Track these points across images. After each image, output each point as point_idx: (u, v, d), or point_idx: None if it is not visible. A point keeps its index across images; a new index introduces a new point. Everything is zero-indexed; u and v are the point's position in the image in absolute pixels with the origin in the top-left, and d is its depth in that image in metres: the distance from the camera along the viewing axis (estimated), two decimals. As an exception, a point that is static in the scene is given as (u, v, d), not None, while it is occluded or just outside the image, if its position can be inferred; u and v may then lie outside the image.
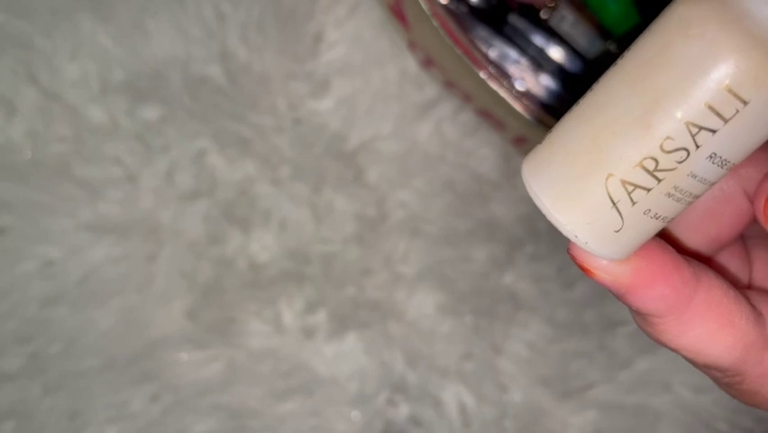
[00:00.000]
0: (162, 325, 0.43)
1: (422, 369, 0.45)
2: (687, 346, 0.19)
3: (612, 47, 0.42)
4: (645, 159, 0.16)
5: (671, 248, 0.19)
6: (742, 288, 0.22)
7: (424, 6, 0.41)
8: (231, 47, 0.46)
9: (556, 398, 0.45)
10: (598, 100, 0.17)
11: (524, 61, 0.42)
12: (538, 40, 0.42)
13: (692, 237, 0.22)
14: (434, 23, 0.41)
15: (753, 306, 0.20)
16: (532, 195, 0.18)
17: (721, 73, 0.15)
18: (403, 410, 0.44)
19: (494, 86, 0.42)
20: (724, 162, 0.16)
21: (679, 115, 0.15)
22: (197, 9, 0.45)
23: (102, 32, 0.44)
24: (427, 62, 0.46)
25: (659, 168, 0.16)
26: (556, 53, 0.42)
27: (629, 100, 0.16)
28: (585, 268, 0.19)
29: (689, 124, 0.15)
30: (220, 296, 0.44)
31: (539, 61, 0.42)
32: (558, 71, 0.42)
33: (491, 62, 0.42)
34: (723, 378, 0.20)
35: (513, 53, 0.42)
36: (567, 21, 0.42)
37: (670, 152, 0.16)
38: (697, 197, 0.17)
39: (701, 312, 0.19)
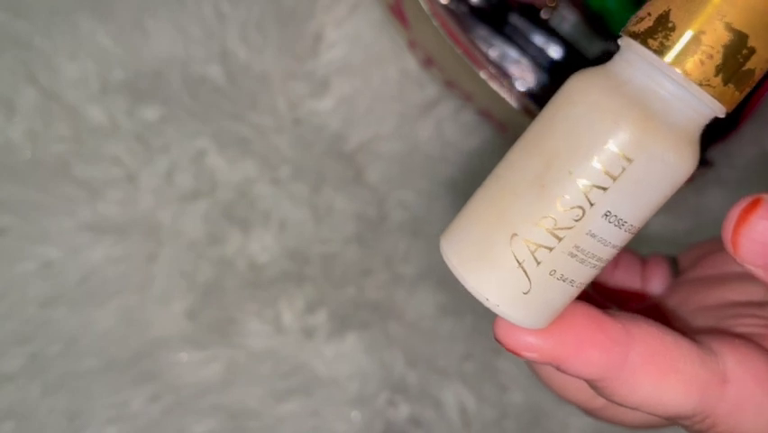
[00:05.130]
0: (162, 325, 0.43)
1: (422, 369, 0.45)
2: (641, 402, 0.19)
3: (612, 47, 0.42)
4: (544, 217, 0.17)
5: (594, 309, 0.19)
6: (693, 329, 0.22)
7: (424, 6, 0.41)
8: (231, 47, 0.45)
9: (556, 398, 0.45)
10: (502, 168, 0.18)
11: (524, 61, 0.42)
12: (538, 40, 0.42)
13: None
14: (435, 22, 0.41)
15: (698, 344, 0.19)
16: (448, 263, 0.18)
17: (606, 134, 0.16)
18: (403, 411, 0.44)
19: (494, 86, 0.42)
20: (621, 222, 0.17)
21: (572, 173, 0.16)
22: (197, 9, 0.45)
23: (102, 32, 0.44)
24: (427, 62, 0.46)
25: (558, 226, 0.16)
26: (556, 53, 0.42)
27: (529, 163, 0.17)
28: (511, 350, 0.18)
29: (581, 183, 0.16)
30: (220, 296, 0.44)
31: (539, 61, 0.42)
32: (558, 71, 0.42)
33: (492, 62, 0.42)
34: (694, 425, 0.20)
35: (513, 53, 0.42)
36: (567, 21, 0.42)
37: (566, 210, 0.16)
38: (602, 260, 0.17)
39: (641, 366, 0.18)
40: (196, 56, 0.45)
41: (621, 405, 0.19)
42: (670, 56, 0.16)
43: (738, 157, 0.47)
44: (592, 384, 0.19)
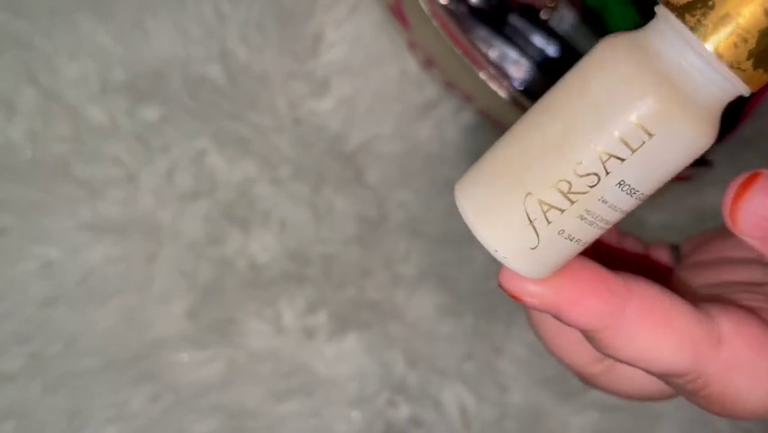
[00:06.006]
0: (162, 325, 0.43)
1: (422, 370, 0.45)
2: (636, 355, 0.19)
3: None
4: (560, 181, 0.17)
5: (595, 264, 0.20)
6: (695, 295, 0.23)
7: (424, 7, 0.41)
8: (231, 47, 0.46)
9: (556, 398, 0.45)
10: (524, 126, 0.18)
11: (524, 62, 0.42)
12: (538, 40, 0.42)
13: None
14: (435, 23, 0.41)
15: (696, 306, 0.20)
16: (461, 212, 0.19)
17: (630, 107, 0.16)
18: (403, 411, 0.44)
19: (494, 86, 0.42)
20: (633, 191, 0.17)
21: (591, 142, 0.17)
22: (197, 9, 0.45)
23: (102, 32, 0.44)
24: (427, 63, 0.46)
25: (572, 190, 0.17)
26: (556, 54, 0.42)
27: (550, 126, 0.17)
28: (514, 295, 0.19)
29: (600, 151, 0.17)
30: (220, 296, 0.44)
31: (539, 62, 0.42)
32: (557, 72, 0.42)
33: (491, 63, 0.42)
34: (686, 384, 0.20)
35: (513, 54, 0.42)
36: (567, 21, 0.42)
37: (582, 176, 0.17)
38: (609, 223, 0.18)
39: (638, 319, 0.19)
40: (196, 56, 0.45)
41: (617, 359, 0.20)
42: (705, 34, 0.16)
43: (738, 157, 0.47)
44: (590, 336, 0.20)
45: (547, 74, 0.42)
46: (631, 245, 0.28)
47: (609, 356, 0.20)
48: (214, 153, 0.45)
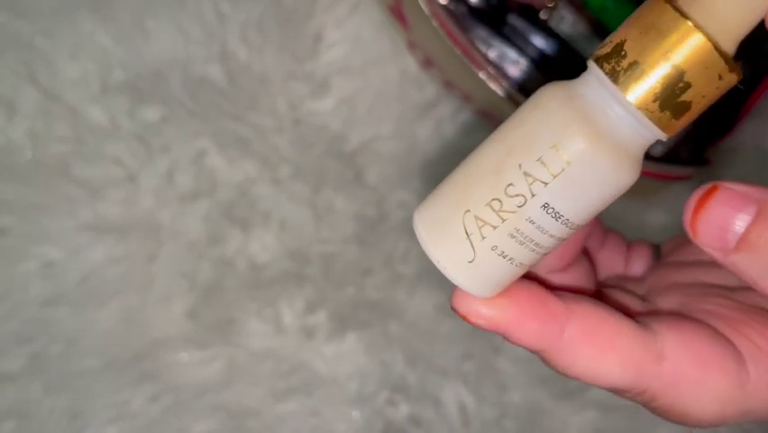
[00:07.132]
0: (162, 325, 0.43)
1: (422, 369, 0.45)
2: (581, 373, 0.21)
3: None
4: (493, 200, 0.19)
5: (538, 287, 0.21)
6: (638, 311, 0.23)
7: (423, 7, 0.41)
8: (231, 47, 0.46)
9: (556, 398, 0.46)
10: (472, 155, 0.21)
11: (523, 62, 0.42)
12: (538, 40, 0.42)
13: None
14: (434, 23, 0.41)
15: (639, 324, 0.21)
16: (416, 232, 0.21)
17: (552, 136, 0.19)
18: (403, 410, 0.44)
19: (494, 86, 0.42)
20: (558, 215, 0.19)
21: (520, 165, 0.19)
22: (197, 9, 0.45)
23: (102, 32, 0.44)
24: (427, 63, 0.46)
25: (503, 209, 0.19)
26: (555, 54, 0.43)
27: (490, 152, 0.20)
28: (463, 316, 0.21)
29: (525, 174, 0.19)
30: (220, 296, 0.44)
31: (538, 62, 0.42)
32: (556, 72, 0.43)
33: (491, 63, 0.42)
34: (634, 397, 0.21)
35: (512, 54, 0.42)
36: (567, 21, 0.42)
37: (511, 196, 0.19)
38: (541, 246, 0.20)
39: (578, 340, 0.20)
40: (197, 56, 0.45)
41: (565, 376, 0.21)
42: (617, 80, 0.18)
43: (736, 156, 0.47)
44: (539, 355, 0.21)
45: (546, 74, 0.42)
46: (613, 242, 0.29)
47: (559, 373, 0.21)
48: (214, 153, 0.45)
